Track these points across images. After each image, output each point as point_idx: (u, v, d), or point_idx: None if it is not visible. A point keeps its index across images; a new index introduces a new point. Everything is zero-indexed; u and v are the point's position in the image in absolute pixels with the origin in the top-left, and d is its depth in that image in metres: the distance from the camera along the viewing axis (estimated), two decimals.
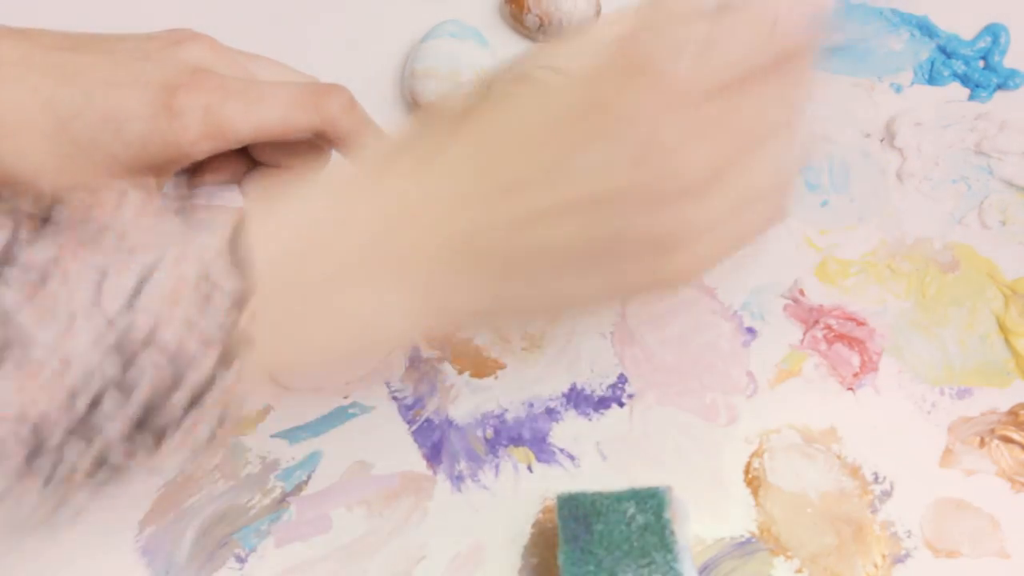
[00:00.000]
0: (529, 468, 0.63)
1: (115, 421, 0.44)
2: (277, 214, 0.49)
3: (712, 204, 0.45)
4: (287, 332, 0.47)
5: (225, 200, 0.63)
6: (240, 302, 0.45)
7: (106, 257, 0.44)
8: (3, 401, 0.42)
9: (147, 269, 0.44)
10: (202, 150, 0.58)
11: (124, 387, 0.43)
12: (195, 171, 0.64)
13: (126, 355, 0.43)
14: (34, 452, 0.43)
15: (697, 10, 0.44)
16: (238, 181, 0.64)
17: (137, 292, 0.44)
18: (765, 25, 0.44)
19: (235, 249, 0.46)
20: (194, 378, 0.44)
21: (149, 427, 0.44)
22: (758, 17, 0.44)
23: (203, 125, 0.57)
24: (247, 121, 0.57)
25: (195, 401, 0.44)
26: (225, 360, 0.44)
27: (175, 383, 0.44)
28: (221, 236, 0.46)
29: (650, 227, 0.45)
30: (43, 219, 0.46)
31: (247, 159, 0.64)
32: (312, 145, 0.61)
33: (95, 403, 0.43)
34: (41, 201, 0.47)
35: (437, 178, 0.47)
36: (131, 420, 0.44)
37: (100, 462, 0.44)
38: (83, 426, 0.43)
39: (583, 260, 0.46)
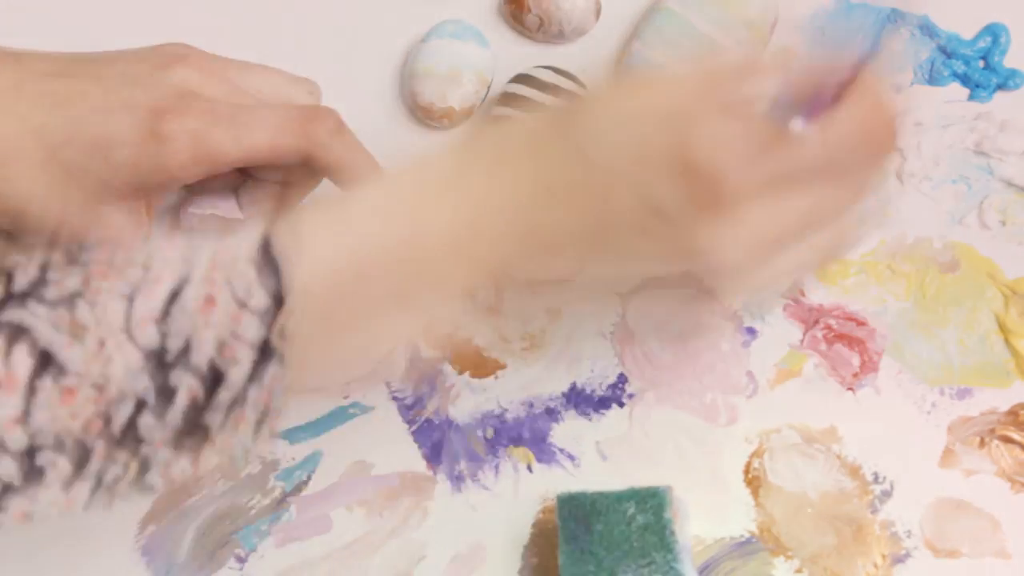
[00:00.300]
0: (529, 468, 0.63)
1: (157, 431, 0.44)
2: (328, 226, 0.48)
3: (754, 274, 0.45)
4: (319, 345, 0.47)
5: (222, 211, 0.63)
6: (277, 303, 0.45)
7: (133, 282, 0.45)
8: (45, 418, 0.43)
9: (178, 284, 0.45)
10: (191, 174, 0.58)
11: (164, 397, 0.44)
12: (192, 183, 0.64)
13: (163, 369, 0.44)
14: (80, 463, 0.44)
15: (761, 89, 0.43)
16: (234, 192, 0.65)
17: (167, 310, 0.44)
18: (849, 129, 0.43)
19: (267, 253, 0.46)
20: (236, 377, 0.44)
21: (192, 431, 0.45)
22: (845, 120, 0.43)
23: (191, 150, 0.57)
24: (235, 147, 0.57)
25: (238, 400, 0.45)
26: (265, 357, 0.45)
27: (216, 384, 0.44)
28: (252, 242, 0.46)
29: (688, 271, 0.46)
30: (69, 256, 0.46)
31: (242, 170, 0.64)
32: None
33: (136, 415, 0.44)
34: (66, 240, 0.48)
35: (490, 213, 0.47)
36: (172, 428, 0.44)
37: (145, 468, 0.45)
38: (125, 437, 0.44)
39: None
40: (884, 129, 0.43)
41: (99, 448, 0.44)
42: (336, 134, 0.59)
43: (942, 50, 0.70)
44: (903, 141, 0.67)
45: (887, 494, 0.62)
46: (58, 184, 0.58)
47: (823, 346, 0.65)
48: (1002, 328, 0.65)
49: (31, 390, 0.43)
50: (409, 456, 0.63)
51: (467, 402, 0.64)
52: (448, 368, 0.64)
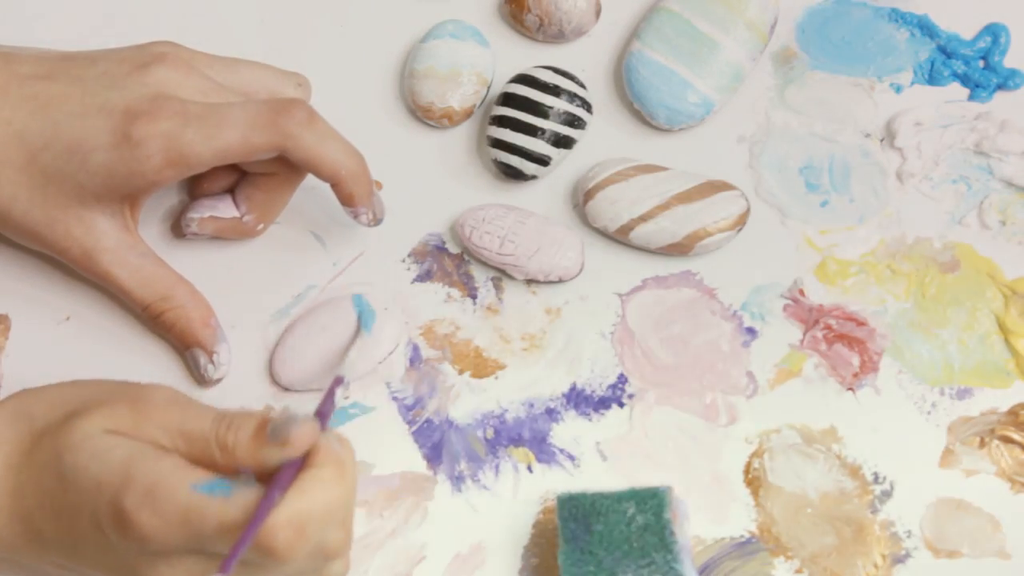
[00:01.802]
0: (529, 468, 0.63)
1: None
2: None
3: None
4: None
5: (220, 212, 0.64)
6: None
7: None
8: None
9: None
10: (166, 178, 0.58)
11: None
12: (192, 183, 0.64)
13: None
14: None
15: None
16: (230, 191, 0.65)
17: None
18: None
19: None
20: None
21: None
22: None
23: (164, 152, 0.57)
24: (207, 146, 0.57)
25: None
26: None
27: None
28: None
29: None
30: None
31: (237, 168, 0.64)
32: None
33: None
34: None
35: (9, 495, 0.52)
36: None
37: None
38: None
39: None
40: (275, 547, 0.48)
41: None
42: (307, 125, 0.58)
43: (942, 50, 0.70)
44: (904, 141, 0.67)
45: (887, 494, 0.62)
46: (38, 188, 0.59)
47: (823, 346, 0.65)
48: (1002, 328, 0.65)
49: None
50: (409, 456, 0.63)
51: (467, 402, 0.64)
52: (448, 368, 0.64)
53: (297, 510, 0.48)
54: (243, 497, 0.47)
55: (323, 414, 0.52)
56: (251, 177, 0.63)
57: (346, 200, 0.61)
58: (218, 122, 0.57)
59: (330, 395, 0.54)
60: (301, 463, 0.49)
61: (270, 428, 0.49)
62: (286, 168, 0.62)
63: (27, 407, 0.53)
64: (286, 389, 0.63)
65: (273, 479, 0.48)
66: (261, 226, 0.64)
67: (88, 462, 0.49)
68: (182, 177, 0.59)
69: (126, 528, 0.48)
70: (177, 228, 0.65)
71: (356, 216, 0.62)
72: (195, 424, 0.50)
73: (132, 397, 0.51)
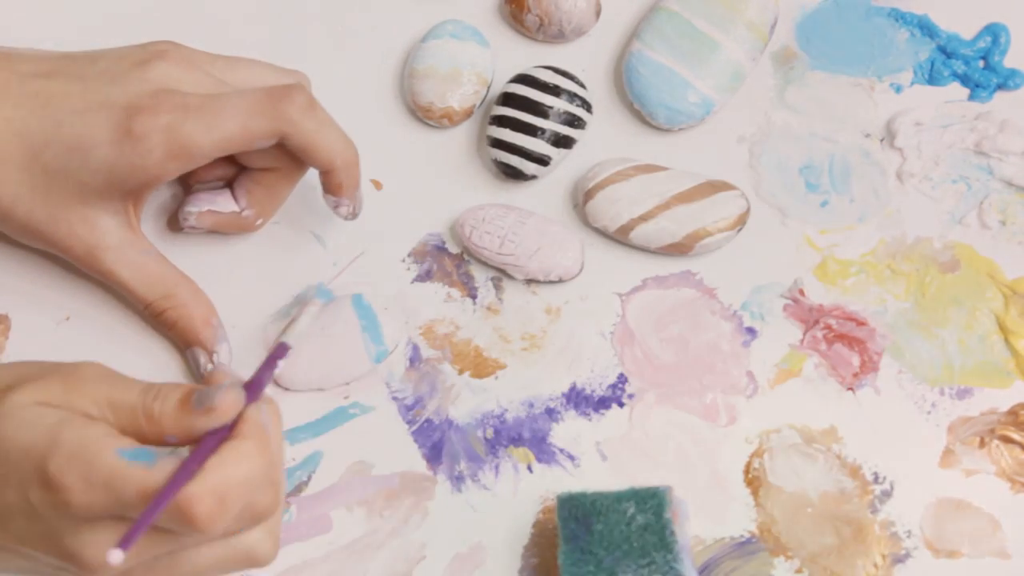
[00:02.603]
0: (529, 468, 0.63)
1: None
2: None
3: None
4: None
5: (219, 206, 0.63)
6: None
7: None
8: None
9: None
10: (169, 171, 0.58)
11: None
12: (188, 177, 0.64)
13: None
14: None
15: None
16: (228, 184, 0.65)
17: None
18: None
19: None
20: None
21: None
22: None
23: (166, 146, 0.57)
24: (209, 137, 0.57)
25: None
26: None
27: None
28: None
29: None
30: None
31: (235, 161, 0.64)
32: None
33: None
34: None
35: None
36: None
37: None
38: None
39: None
40: (193, 515, 0.48)
41: None
42: (307, 111, 0.59)
43: (942, 50, 0.70)
44: (904, 141, 0.67)
45: (887, 494, 0.62)
46: (41, 186, 0.59)
47: (823, 346, 0.65)
48: (1002, 328, 0.65)
49: None
50: (409, 456, 0.63)
51: (467, 402, 0.64)
52: (448, 368, 0.64)
53: (218, 479, 0.48)
54: (166, 465, 0.48)
55: (257, 383, 0.52)
56: (250, 171, 0.63)
57: (334, 189, 0.61)
58: (217, 112, 0.57)
59: (269, 364, 0.53)
60: (226, 433, 0.49)
61: (195, 396, 0.49)
62: (286, 162, 0.62)
63: None
64: (286, 389, 0.63)
65: (195, 448, 0.49)
66: (260, 221, 0.64)
67: (16, 431, 0.49)
68: (185, 170, 0.59)
69: (51, 491, 0.48)
70: (174, 224, 0.65)
71: (337, 207, 0.62)
72: (123, 395, 0.50)
73: (63, 373, 0.51)
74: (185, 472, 0.47)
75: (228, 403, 0.49)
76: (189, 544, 0.50)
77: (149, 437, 0.50)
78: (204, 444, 0.49)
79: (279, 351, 0.54)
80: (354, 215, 0.63)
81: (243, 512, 0.49)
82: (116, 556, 0.45)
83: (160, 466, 0.48)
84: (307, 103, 0.59)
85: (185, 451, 0.49)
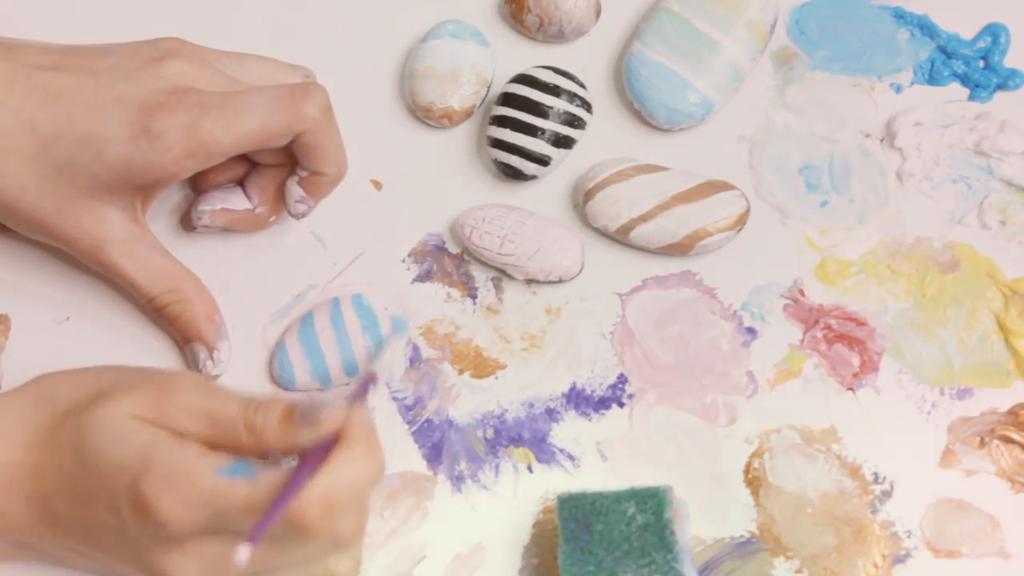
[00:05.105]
0: (529, 468, 0.63)
1: None
2: None
3: None
4: None
5: (232, 204, 0.63)
6: None
7: None
8: None
9: None
10: (186, 168, 0.58)
11: None
12: (199, 176, 0.64)
13: None
14: None
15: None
16: (240, 182, 0.65)
17: None
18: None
19: None
20: None
21: None
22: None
23: (184, 143, 0.57)
24: (228, 135, 0.57)
25: None
26: None
27: None
28: None
29: None
30: None
31: (247, 159, 0.64)
32: None
33: None
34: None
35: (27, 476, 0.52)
36: None
37: None
38: None
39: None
40: (306, 522, 0.49)
41: None
42: (327, 111, 0.59)
43: (942, 50, 0.70)
44: (904, 141, 0.67)
45: (887, 494, 0.62)
46: (49, 179, 0.58)
47: (823, 346, 0.65)
48: (1002, 328, 0.65)
49: None
50: (409, 456, 0.63)
51: (467, 402, 0.64)
52: (448, 368, 0.64)
53: (328, 486, 0.49)
54: (269, 477, 0.49)
55: (355, 400, 0.53)
56: (263, 169, 0.63)
57: (313, 191, 0.62)
58: (236, 110, 0.58)
59: (364, 389, 0.53)
60: (330, 445, 0.50)
61: (299, 410, 0.50)
62: (298, 160, 0.62)
63: (50, 389, 0.54)
64: (286, 389, 0.63)
65: (304, 458, 0.49)
66: (273, 218, 0.64)
67: (109, 446, 0.50)
68: (202, 167, 0.59)
69: (145, 513, 0.48)
70: (179, 224, 0.65)
71: (299, 202, 0.62)
72: (222, 406, 0.51)
73: (158, 382, 0.52)
74: (300, 478, 0.48)
75: (335, 416, 0.50)
76: (278, 566, 0.51)
77: (248, 449, 0.50)
78: (313, 454, 0.50)
79: (370, 378, 0.54)
80: (304, 216, 0.63)
81: (332, 530, 0.50)
82: (244, 552, 0.46)
83: (263, 478, 0.48)
84: (327, 103, 0.59)
85: (276, 460, 0.50)
